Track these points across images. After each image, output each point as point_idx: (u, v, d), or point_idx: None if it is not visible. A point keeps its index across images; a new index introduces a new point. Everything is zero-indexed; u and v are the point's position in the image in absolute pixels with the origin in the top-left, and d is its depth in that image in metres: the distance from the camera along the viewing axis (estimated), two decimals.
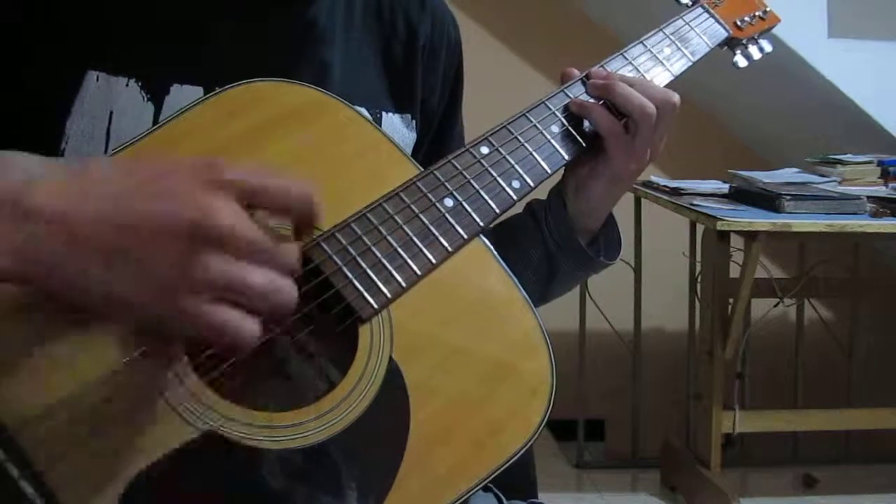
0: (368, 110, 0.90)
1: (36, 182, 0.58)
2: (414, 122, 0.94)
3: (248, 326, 0.59)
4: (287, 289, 0.61)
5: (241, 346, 0.59)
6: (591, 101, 0.90)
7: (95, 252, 0.57)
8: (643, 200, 2.94)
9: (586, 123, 0.90)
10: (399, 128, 0.93)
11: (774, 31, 1.11)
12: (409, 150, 0.93)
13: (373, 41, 0.93)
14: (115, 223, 0.57)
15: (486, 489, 0.91)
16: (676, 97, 0.90)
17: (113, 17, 0.80)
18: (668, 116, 0.89)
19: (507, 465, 0.72)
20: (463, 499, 0.71)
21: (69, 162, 0.61)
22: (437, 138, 0.98)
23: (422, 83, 0.95)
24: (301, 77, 0.83)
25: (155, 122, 0.79)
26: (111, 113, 0.79)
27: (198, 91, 0.80)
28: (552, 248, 0.95)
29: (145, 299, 0.57)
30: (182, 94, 0.80)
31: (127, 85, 0.79)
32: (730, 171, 2.83)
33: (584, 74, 0.92)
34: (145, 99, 0.80)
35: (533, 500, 0.97)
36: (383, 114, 0.92)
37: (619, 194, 0.94)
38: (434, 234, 0.78)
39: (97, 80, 0.79)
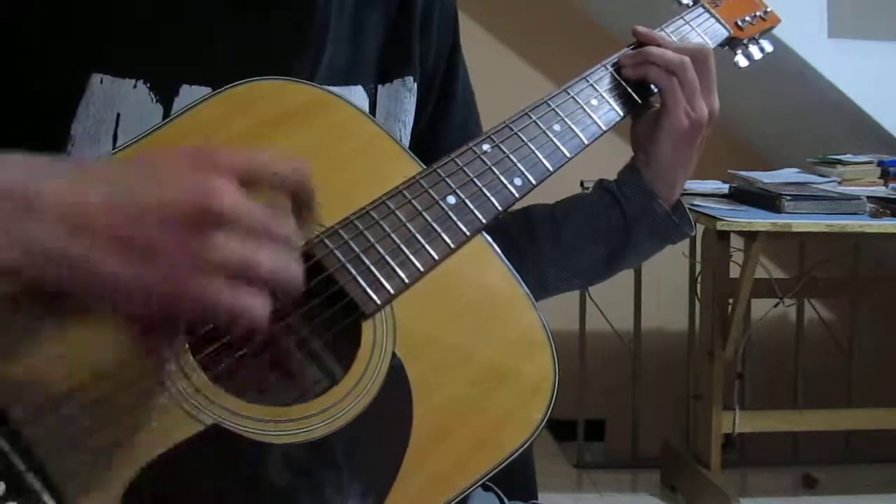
0: (369, 86, 0.90)
1: (38, 177, 0.58)
2: (415, 84, 0.95)
3: (261, 304, 0.59)
4: (294, 263, 0.61)
5: (255, 324, 0.59)
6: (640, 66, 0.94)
7: (101, 242, 0.57)
8: None
9: (588, 122, 0.91)
10: (401, 96, 0.93)
11: (774, 30, 1.11)
12: (411, 116, 0.94)
13: (370, 11, 0.92)
14: (119, 212, 0.57)
15: (486, 488, 0.91)
16: (709, 47, 0.97)
17: (116, 18, 0.80)
18: (706, 64, 0.94)
19: (509, 461, 0.73)
20: (464, 495, 0.71)
21: (68, 159, 0.61)
22: (441, 101, 0.99)
23: (420, 43, 0.95)
24: (304, 64, 0.83)
25: None
26: (118, 115, 0.79)
27: (207, 91, 0.80)
28: (630, 216, 0.97)
29: (155, 286, 0.57)
30: (192, 95, 0.79)
31: (135, 87, 0.79)
32: (730, 171, 2.83)
33: (605, 62, 0.95)
34: (154, 100, 0.80)
35: (533, 500, 0.98)
36: (387, 84, 0.92)
37: (687, 155, 0.96)
38: (437, 231, 0.78)
39: (101, 82, 0.78)
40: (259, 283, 0.59)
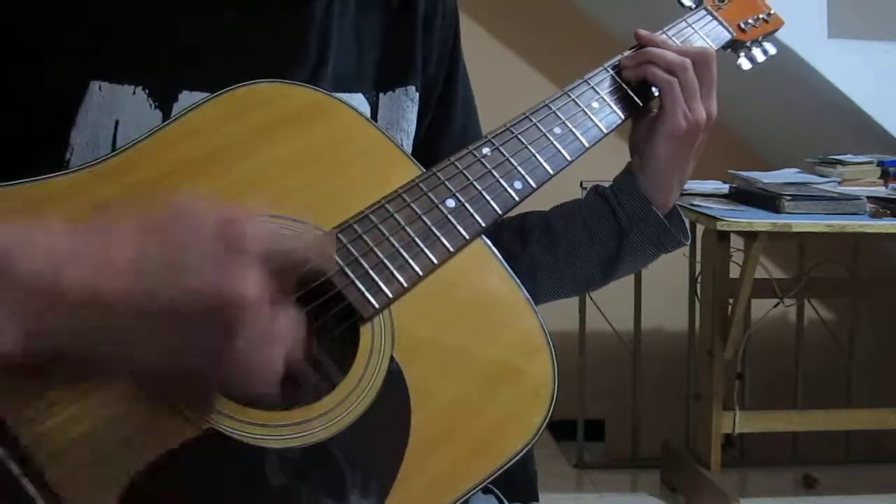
0: (370, 94, 0.90)
1: (59, 266, 0.56)
2: (418, 94, 0.95)
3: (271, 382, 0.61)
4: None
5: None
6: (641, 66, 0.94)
7: (125, 338, 0.57)
8: None
9: (590, 125, 0.90)
10: (402, 104, 0.93)
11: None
12: (413, 125, 0.94)
13: (371, 20, 0.92)
14: (144, 309, 0.57)
15: (486, 490, 0.91)
16: (711, 50, 0.97)
17: (115, 25, 0.79)
18: (708, 68, 0.93)
19: (508, 465, 0.72)
20: (464, 499, 0.71)
21: (89, 232, 0.58)
22: (443, 106, 0.99)
23: (422, 54, 0.95)
24: (304, 69, 0.83)
25: None
26: (116, 122, 0.79)
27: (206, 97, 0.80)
28: (624, 223, 0.96)
29: (177, 375, 0.59)
30: (191, 101, 0.79)
31: (133, 93, 0.79)
32: (730, 171, 2.83)
33: (605, 65, 0.95)
34: (153, 107, 0.79)
35: (534, 502, 0.97)
36: (388, 93, 0.92)
37: (683, 159, 0.95)
38: (436, 235, 0.78)
39: (100, 89, 0.78)
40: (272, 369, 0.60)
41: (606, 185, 0.99)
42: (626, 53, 0.95)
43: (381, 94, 0.91)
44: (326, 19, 0.87)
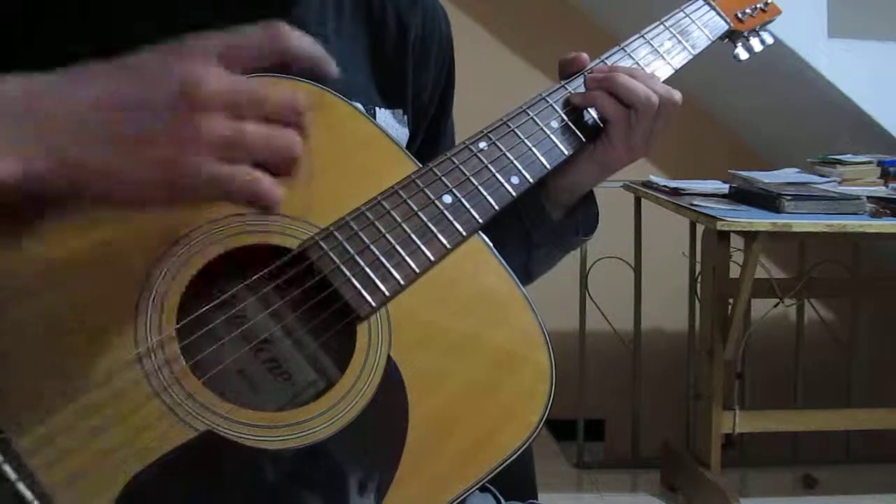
0: (365, 104, 0.89)
1: (34, 88, 0.61)
2: (406, 117, 0.94)
3: (259, 175, 0.61)
4: (283, 132, 0.62)
5: (260, 194, 0.61)
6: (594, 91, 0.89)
7: (95, 139, 0.59)
8: (643, 200, 2.94)
9: (587, 117, 0.90)
10: (391, 123, 0.93)
11: (774, 31, 1.11)
12: (402, 145, 0.93)
13: (363, 37, 0.92)
14: (107, 109, 0.59)
15: (484, 489, 0.91)
16: (678, 95, 0.90)
17: (102, 23, 0.80)
18: (668, 112, 0.89)
19: (506, 464, 0.72)
20: (461, 498, 0.70)
21: (57, 70, 0.63)
22: (430, 134, 0.98)
23: (413, 78, 0.95)
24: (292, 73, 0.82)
25: None
26: None
27: None
28: (527, 227, 0.95)
29: (153, 174, 0.59)
30: None
31: None
32: (730, 171, 2.82)
33: (585, 69, 0.92)
34: None
35: (532, 500, 0.97)
36: (375, 110, 0.92)
37: (603, 179, 0.94)
38: (433, 231, 0.77)
39: None
40: (255, 152, 0.61)
41: None
42: (594, 65, 0.92)
43: (377, 109, 0.91)
44: (316, 32, 0.87)
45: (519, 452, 0.72)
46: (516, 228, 0.95)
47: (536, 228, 0.95)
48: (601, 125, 0.90)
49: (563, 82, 0.91)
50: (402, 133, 0.94)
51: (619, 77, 0.88)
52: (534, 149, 0.85)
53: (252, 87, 0.61)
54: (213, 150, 0.59)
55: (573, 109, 0.89)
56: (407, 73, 0.94)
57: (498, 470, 0.72)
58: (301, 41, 0.64)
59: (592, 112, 0.90)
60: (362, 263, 0.74)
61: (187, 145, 0.59)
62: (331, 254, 0.73)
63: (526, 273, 0.97)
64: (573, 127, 0.89)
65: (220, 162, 0.60)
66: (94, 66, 0.62)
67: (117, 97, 0.59)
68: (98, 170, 0.59)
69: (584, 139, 0.89)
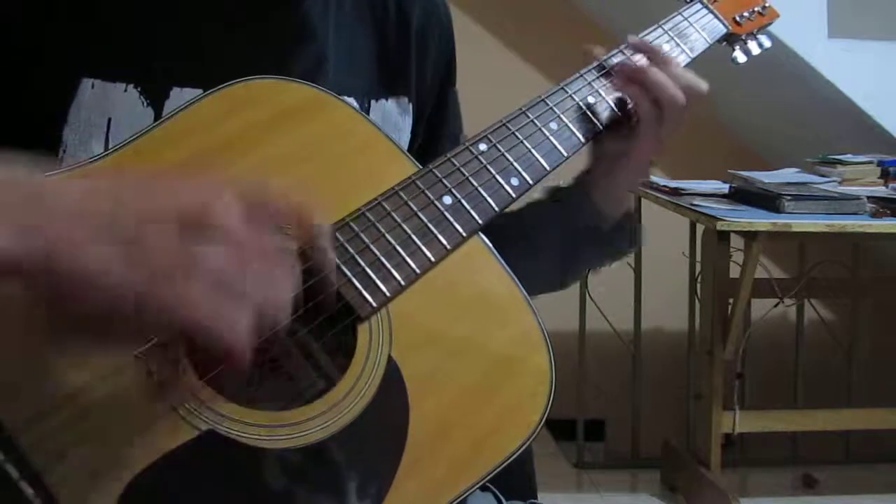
0: (361, 99, 0.90)
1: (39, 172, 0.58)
2: (410, 105, 0.94)
3: (244, 321, 0.56)
4: (283, 291, 0.59)
5: (234, 341, 0.56)
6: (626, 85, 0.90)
7: (91, 229, 0.55)
8: (643, 200, 2.94)
9: (587, 119, 0.90)
10: (394, 114, 0.93)
11: (774, 31, 1.11)
12: (406, 135, 0.94)
13: (365, 28, 0.92)
14: (113, 202, 0.56)
15: (484, 489, 0.91)
16: (704, 85, 0.91)
17: (106, 22, 0.79)
18: (693, 105, 0.90)
19: (506, 464, 0.72)
20: (461, 498, 0.71)
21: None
22: (433, 122, 0.98)
23: (416, 67, 0.95)
24: (296, 72, 0.82)
25: None
26: (109, 120, 0.78)
27: (198, 94, 0.80)
28: (576, 234, 0.95)
29: (139, 285, 0.55)
30: (182, 98, 0.79)
31: (125, 90, 0.79)
32: (730, 171, 2.83)
33: (585, 70, 0.92)
34: (145, 104, 0.79)
35: (532, 500, 0.97)
36: (381, 101, 0.92)
37: (640, 178, 0.95)
38: (433, 232, 0.77)
39: (92, 86, 0.78)
40: (245, 301, 0.57)
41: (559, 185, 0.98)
42: (610, 56, 0.92)
43: (372, 101, 0.91)
44: (319, 24, 0.87)
45: (519, 453, 0.73)
46: (562, 235, 0.96)
47: (587, 238, 0.95)
48: (601, 128, 0.90)
49: (561, 84, 0.91)
50: (405, 123, 0.94)
51: (650, 73, 0.89)
52: (533, 150, 0.86)
53: (264, 238, 0.59)
54: (209, 281, 0.56)
55: (573, 111, 0.90)
56: (410, 61, 0.94)
57: (498, 470, 0.72)
58: (323, 243, 0.63)
59: (592, 115, 0.90)
60: (363, 264, 0.74)
61: (185, 266, 0.56)
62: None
63: (563, 279, 0.99)
64: (572, 128, 0.89)
65: (209, 292, 0.56)
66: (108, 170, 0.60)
67: (127, 200, 0.57)
68: (83, 265, 0.55)
69: (583, 141, 0.89)
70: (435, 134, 0.98)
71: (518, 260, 0.93)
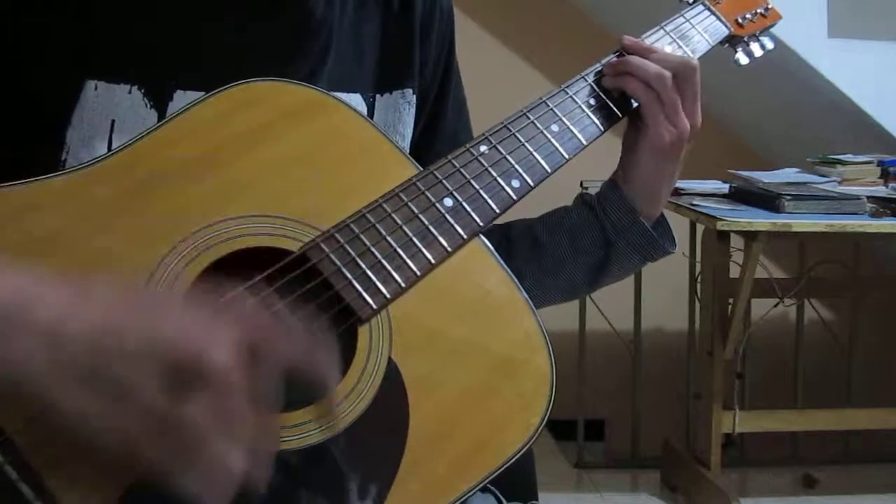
0: (367, 94, 0.90)
1: (34, 299, 0.55)
2: (415, 96, 0.94)
3: (219, 478, 0.56)
4: (268, 438, 0.59)
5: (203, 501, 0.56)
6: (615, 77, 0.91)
7: (74, 368, 0.54)
8: None
9: (587, 121, 0.90)
10: (399, 107, 0.93)
11: (774, 31, 1.11)
12: (410, 129, 0.94)
13: (369, 20, 0.92)
14: (99, 343, 0.54)
15: (485, 490, 0.91)
16: (695, 61, 0.92)
17: (110, 23, 0.79)
18: (690, 80, 0.91)
19: (507, 465, 0.72)
20: (462, 499, 0.71)
21: (70, 279, 0.58)
22: (435, 110, 0.98)
23: (419, 56, 0.95)
24: (303, 69, 0.82)
25: None
26: (112, 122, 0.78)
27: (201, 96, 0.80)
28: (610, 234, 0.95)
29: (115, 430, 0.55)
30: (186, 99, 0.79)
31: (129, 92, 0.79)
32: (730, 171, 2.83)
33: (585, 72, 0.92)
34: (148, 106, 0.79)
35: (533, 501, 0.97)
36: (385, 95, 0.92)
37: (668, 170, 0.94)
38: (433, 234, 0.77)
39: (96, 88, 0.78)
40: (222, 462, 0.56)
41: (595, 190, 0.98)
42: (610, 58, 0.93)
43: (377, 96, 0.91)
44: (324, 19, 0.87)
45: (519, 454, 0.73)
46: (594, 236, 0.95)
47: (622, 236, 0.95)
48: (602, 129, 0.90)
49: (562, 86, 0.91)
50: (408, 114, 0.94)
51: (632, 61, 0.90)
52: (534, 152, 0.86)
53: (254, 399, 0.57)
54: (185, 437, 0.55)
55: (574, 112, 0.90)
56: (413, 50, 0.94)
57: (498, 472, 0.72)
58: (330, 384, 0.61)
59: (593, 117, 0.90)
60: (363, 266, 0.74)
61: (163, 422, 0.55)
62: (332, 256, 0.73)
63: (595, 281, 0.98)
64: (573, 130, 0.89)
65: (180, 451, 0.55)
66: (110, 289, 0.57)
67: (112, 331, 0.54)
68: (61, 405, 0.54)
69: (584, 143, 0.89)
70: (440, 107, 0.99)
71: (555, 267, 0.95)
